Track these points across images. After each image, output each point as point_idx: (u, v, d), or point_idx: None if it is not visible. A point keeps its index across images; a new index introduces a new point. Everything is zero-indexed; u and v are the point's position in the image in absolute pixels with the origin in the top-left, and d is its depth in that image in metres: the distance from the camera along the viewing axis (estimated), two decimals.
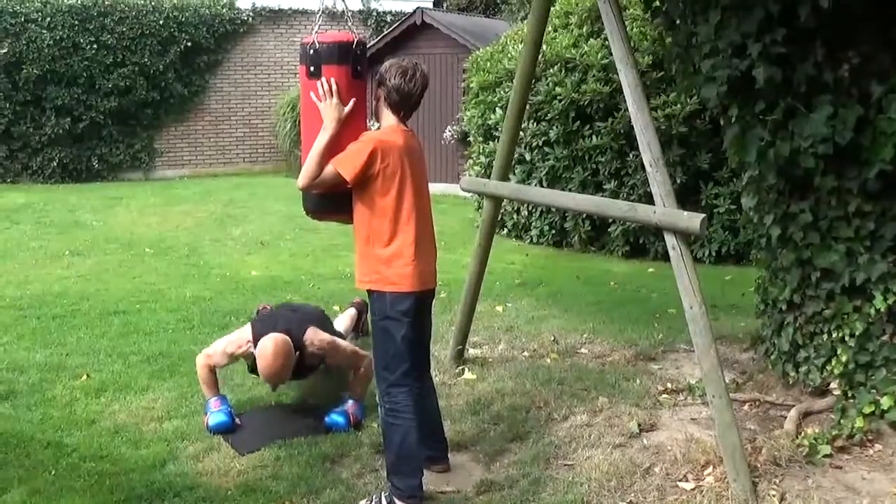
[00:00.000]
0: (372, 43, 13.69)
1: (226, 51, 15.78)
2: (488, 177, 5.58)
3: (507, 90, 9.44)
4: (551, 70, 8.99)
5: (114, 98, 14.52)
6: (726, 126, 4.29)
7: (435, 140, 12.70)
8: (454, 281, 6.79)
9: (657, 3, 4.55)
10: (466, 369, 5.05)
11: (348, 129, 3.51)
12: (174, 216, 10.95)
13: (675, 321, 5.84)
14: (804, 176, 3.93)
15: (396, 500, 3.52)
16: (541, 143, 9.18)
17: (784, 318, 4.38)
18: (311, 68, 3.52)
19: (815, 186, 3.95)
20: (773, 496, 3.44)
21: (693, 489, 3.55)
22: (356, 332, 5.49)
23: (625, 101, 3.78)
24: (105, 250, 8.85)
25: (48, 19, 13.89)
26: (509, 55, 10.00)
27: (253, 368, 4.42)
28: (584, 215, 8.79)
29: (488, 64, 10.28)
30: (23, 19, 13.75)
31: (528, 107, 6.56)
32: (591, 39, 9.04)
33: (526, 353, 5.38)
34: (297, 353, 4.28)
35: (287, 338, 4.22)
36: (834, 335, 4.06)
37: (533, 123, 9.13)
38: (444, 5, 19.94)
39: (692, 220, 3.43)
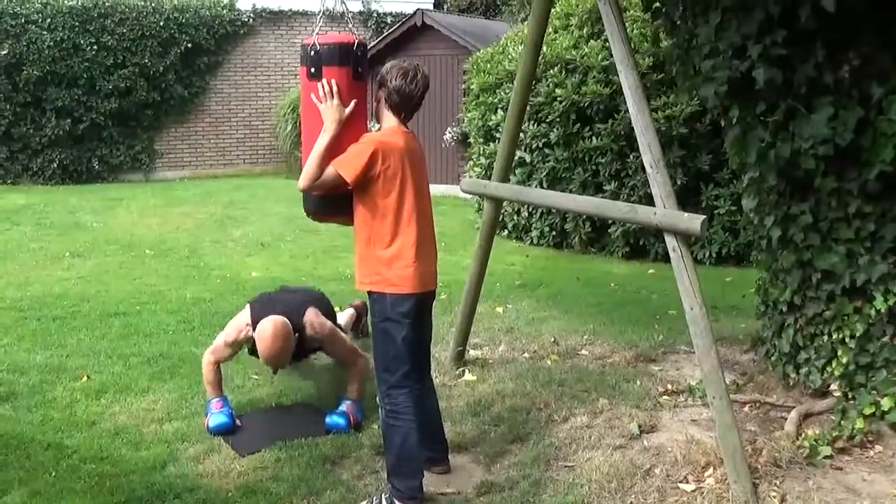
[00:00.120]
0: (372, 44, 13.69)
1: (226, 52, 15.78)
2: (489, 178, 5.58)
3: (507, 91, 9.44)
4: (552, 71, 8.98)
5: (114, 99, 14.52)
6: (727, 127, 4.29)
7: (435, 141, 12.71)
8: (454, 282, 6.80)
9: (657, 4, 4.56)
10: (467, 371, 5.05)
11: (349, 130, 3.51)
12: (174, 217, 10.94)
13: (675, 322, 5.84)
14: (805, 177, 3.93)
15: (397, 502, 3.52)
16: (541, 145, 9.17)
17: (784, 319, 4.38)
18: (312, 70, 3.52)
19: (816, 188, 3.95)
20: (774, 497, 3.44)
21: (693, 491, 3.55)
22: (356, 333, 5.49)
23: (625, 103, 3.78)
24: (105, 252, 8.85)
25: (48, 20, 13.89)
26: (509, 56, 9.99)
27: (253, 350, 4.41)
28: (585, 217, 8.77)
29: (488, 65, 10.28)
30: (23, 21, 13.74)
31: (528, 108, 6.56)
32: (591, 41, 9.02)
33: (526, 355, 5.38)
34: (297, 334, 4.28)
35: (286, 320, 4.21)
36: (834, 336, 4.07)
37: (533, 125, 9.12)
38: (445, 7, 19.95)
39: (693, 222, 3.43)
